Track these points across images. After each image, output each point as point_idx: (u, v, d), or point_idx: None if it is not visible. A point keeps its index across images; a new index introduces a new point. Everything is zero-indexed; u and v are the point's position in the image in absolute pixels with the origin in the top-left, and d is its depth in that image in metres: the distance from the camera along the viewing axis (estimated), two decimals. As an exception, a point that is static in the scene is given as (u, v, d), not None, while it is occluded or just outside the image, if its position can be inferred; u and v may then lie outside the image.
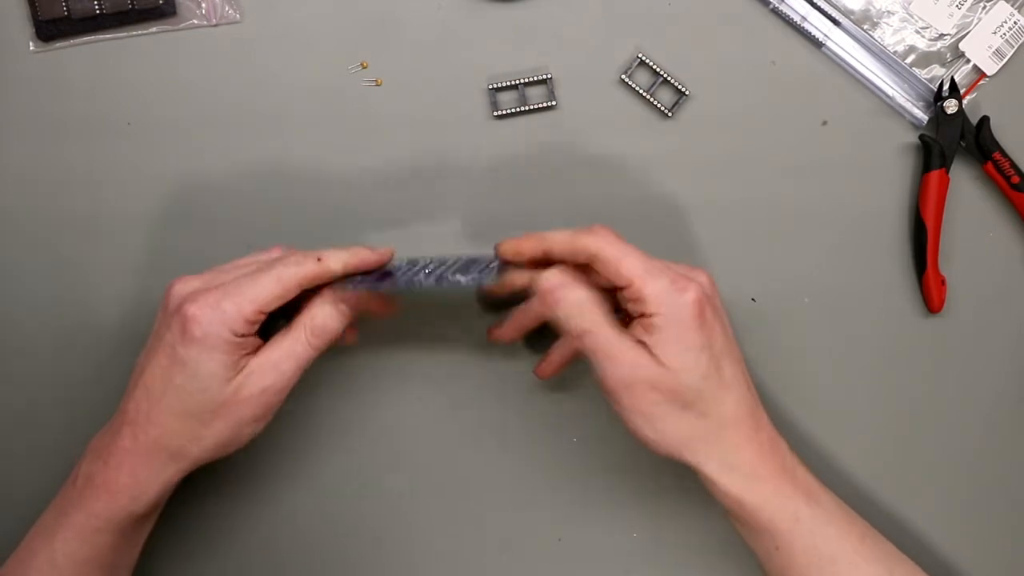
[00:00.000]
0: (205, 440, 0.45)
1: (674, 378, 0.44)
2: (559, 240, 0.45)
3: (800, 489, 0.45)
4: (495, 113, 0.53)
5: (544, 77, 0.53)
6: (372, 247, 0.47)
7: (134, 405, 0.44)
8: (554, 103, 0.53)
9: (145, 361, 0.45)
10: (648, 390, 0.44)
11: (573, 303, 0.44)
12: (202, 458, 0.45)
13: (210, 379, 0.44)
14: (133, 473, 0.44)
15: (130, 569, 0.47)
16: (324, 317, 0.46)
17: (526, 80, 0.53)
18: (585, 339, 0.44)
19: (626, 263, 0.44)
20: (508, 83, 0.53)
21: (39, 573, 0.44)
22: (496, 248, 0.47)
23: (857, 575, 0.45)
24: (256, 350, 0.45)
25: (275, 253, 0.48)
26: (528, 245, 0.46)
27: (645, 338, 0.44)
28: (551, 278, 0.45)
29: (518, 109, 0.53)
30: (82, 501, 0.44)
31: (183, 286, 0.45)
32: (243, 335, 0.44)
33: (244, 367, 0.44)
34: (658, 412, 0.44)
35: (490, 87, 0.53)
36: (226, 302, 0.43)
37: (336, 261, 0.46)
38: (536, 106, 0.53)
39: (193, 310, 0.43)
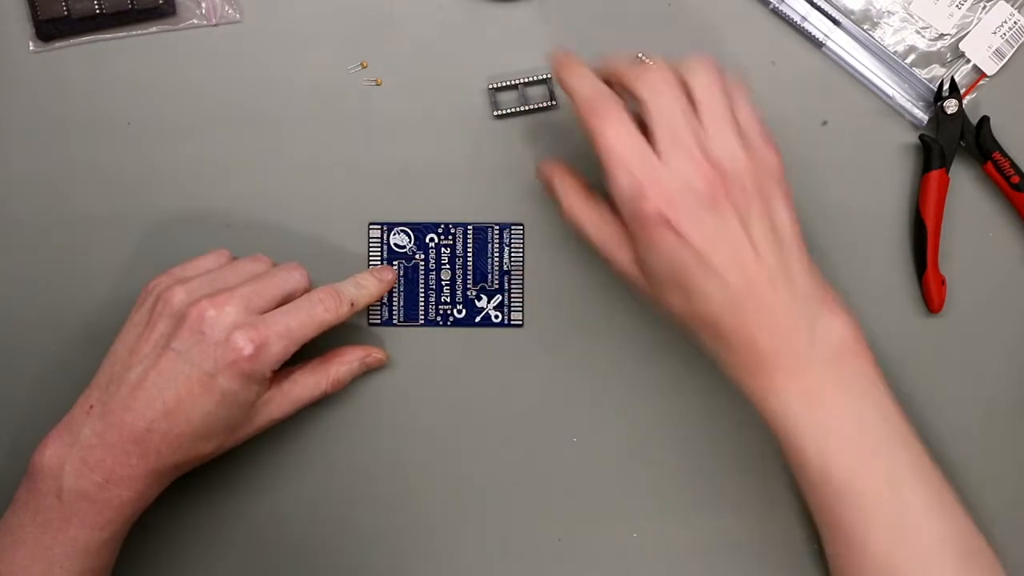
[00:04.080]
0: (210, 456, 0.47)
1: (644, 275, 0.45)
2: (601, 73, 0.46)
3: (801, 388, 0.43)
4: (495, 113, 0.53)
5: (544, 77, 0.53)
6: (380, 277, 0.51)
7: (145, 424, 0.43)
8: (554, 103, 0.53)
9: (168, 384, 0.44)
10: (635, 280, 0.46)
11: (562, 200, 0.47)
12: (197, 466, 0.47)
13: (243, 408, 0.46)
14: (142, 489, 0.44)
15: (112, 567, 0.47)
16: (349, 374, 0.50)
17: (526, 80, 0.53)
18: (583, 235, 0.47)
19: (597, 144, 0.43)
20: (508, 83, 0.53)
21: None
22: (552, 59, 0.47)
23: (853, 465, 0.42)
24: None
25: (260, 263, 0.49)
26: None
27: None
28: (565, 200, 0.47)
29: (518, 109, 0.53)
30: (77, 516, 0.44)
31: (219, 314, 0.44)
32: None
33: (263, 395, 0.47)
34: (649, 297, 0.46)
35: (490, 87, 0.53)
36: (275, 343, 0.45)
37: (366, 299, 0.50)
38: (536, 106, 0.53)
39: (247, 349, 0.44)
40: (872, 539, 0.42)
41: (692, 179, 0.42)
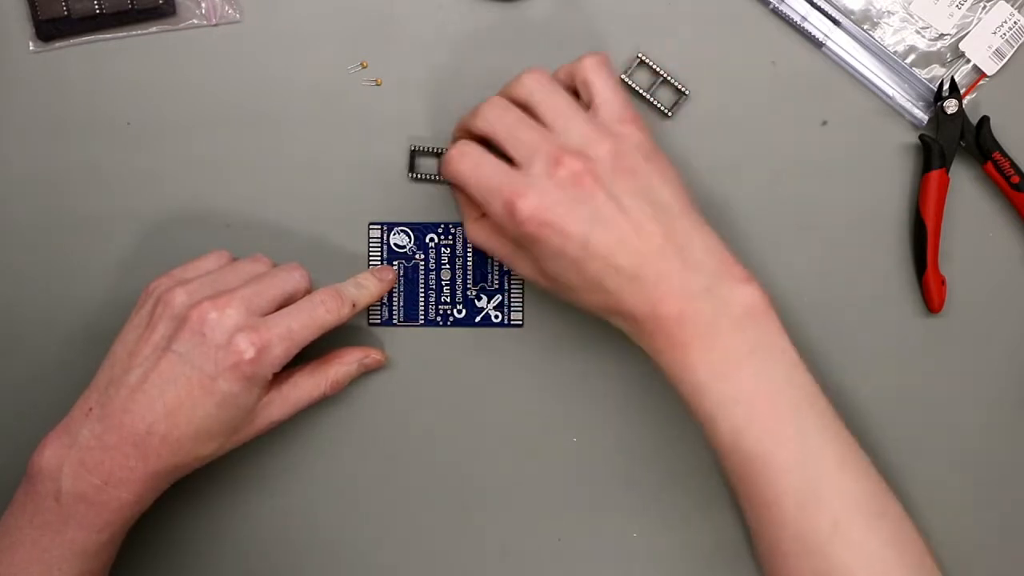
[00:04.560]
0: (209, 458, 0.46)
1: (552, 281, 0.47)
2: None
3: (710, 360, 0.43)
4: (411, 176, 0.53)
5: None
6: (381, 277, 0.51)
7: (144, 427, 0.43)
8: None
9: (168, 386, 0.44)
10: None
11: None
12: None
13: (244, 410, 0.46)
14: (141, 492, 0.44)
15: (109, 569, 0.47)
16: (348, 376, 0.50)
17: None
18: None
19: (463, 186, 0.46)
20: (430, 148, 0.52)
21: None
22: None
23: (761, 434, 0.43)
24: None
25: (260, 264, 0.49)
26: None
27: None
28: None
29: (436, 177, 0.52)
30: (76, 518, 0.44)
31: (220, 317, 0.44)
32: None
33: (263, 397, 0.47)
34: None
35: (411, 148, 0.52)
36: (277, 346, 0.45)
37: (367, 299, 0.50)
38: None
39: (249, 352, 0.44)
40: (784, 504, 0.43)
41: (553, 175, 0.43)
